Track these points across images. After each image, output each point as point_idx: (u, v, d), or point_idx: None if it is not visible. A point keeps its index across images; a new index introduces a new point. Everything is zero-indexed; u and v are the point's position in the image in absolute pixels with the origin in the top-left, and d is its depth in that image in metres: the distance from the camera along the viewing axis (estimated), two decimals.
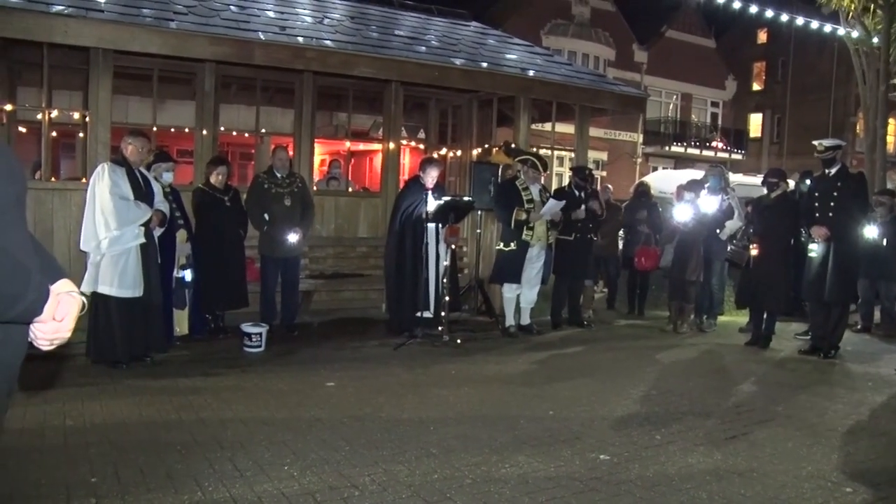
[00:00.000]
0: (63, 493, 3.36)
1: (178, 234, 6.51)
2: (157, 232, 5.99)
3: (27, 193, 1.84)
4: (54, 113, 7.72)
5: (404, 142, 11.23)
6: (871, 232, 8.08)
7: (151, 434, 4.24)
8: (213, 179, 6.98)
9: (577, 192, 8.23)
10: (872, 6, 14.65)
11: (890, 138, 21.54)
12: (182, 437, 4.16)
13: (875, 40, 15.00)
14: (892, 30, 14.33)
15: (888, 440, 4.66)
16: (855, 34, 15.47)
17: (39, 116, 7.38)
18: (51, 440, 4.09)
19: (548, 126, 10.29)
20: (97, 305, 5.60)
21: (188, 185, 7.96)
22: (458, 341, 7.13)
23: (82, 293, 1.72)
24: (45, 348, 1.70)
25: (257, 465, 3.76)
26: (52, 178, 8.22)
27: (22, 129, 10.48)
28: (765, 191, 7.74)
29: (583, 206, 8.12)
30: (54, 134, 8.67)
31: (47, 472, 3.60)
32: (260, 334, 6.58)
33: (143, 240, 5.71)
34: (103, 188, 5.57)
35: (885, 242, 8.41)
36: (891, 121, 17.94)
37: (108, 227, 5.55)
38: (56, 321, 1.62)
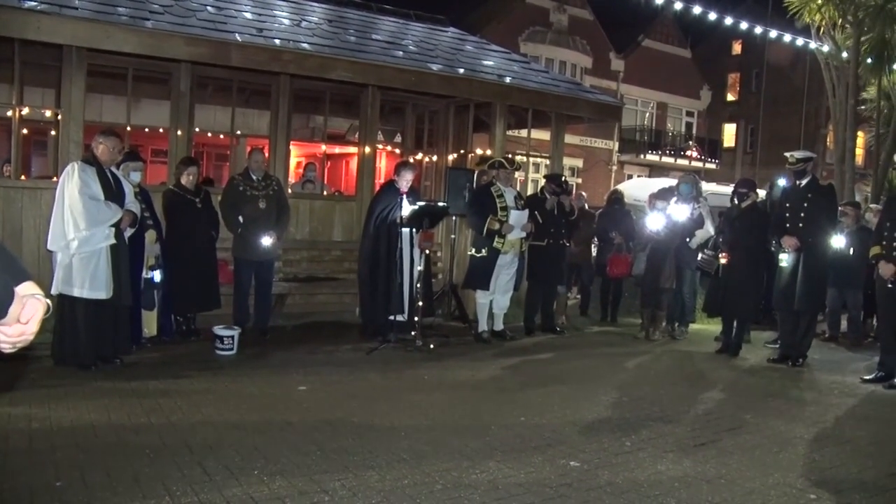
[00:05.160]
0: (27, 497, 3.31)
1: (147, 234, 6.43)
2: (128, 233, 5.92)
3: None
4: (25, 110, 7.60)
5: (380, 146, 11.24)
6: (838, 242, 8.24)
7: (119, 437, 4.19)
8: (183, 180, 6.92)
9: (547, 197, 8.29)
10: (841, 21, 14.92)
11: (859, 151, 21.92)
12: (151, 441, 4.12)
13: (844, 55, 15.29)
14: (861, 45, 14.61)
15: (852, 447, 4.74)
16: (825, 48, 15.75)
17: (10, 113, 7.26)
18: (15, 443, 4.02)
19: (524, 132, 10.35)
20: (63, 306, 5.52)
21: (160, 185, 7.88)
22: (431, 346, 7.13)
23: (48, 295, 1.70)
24: (6, 351, 1.68)
25: (227, 469, 3.73)
26: (23, 177, 8.10)
27: None
28: (735, 201, 7.85)
29: (550, 197, 8.18)
30: (25, 131, 8.51)
31: (11, 477, 3.54)
32: (232, 337, 6.54)
33: (113, 240, 5.64)
34: (73, 188, 5.49)
35: (851, 252, 8.56)
36: (859, 134, 18.22)
37: (77, 228, 5.47)
38: (21, 324, 1.60)
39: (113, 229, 5.64)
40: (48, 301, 1.67)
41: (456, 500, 3.50)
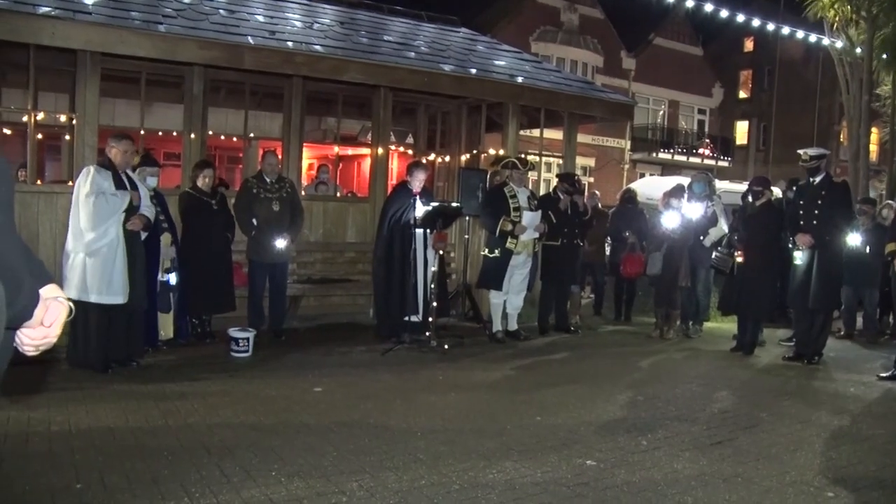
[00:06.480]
0: (48, 499, 3.34)
1: (163, 237, 6.47)
2: (142, 236, 5.95)
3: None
4: (40, 115, 7.66)
5: (393, 147, 11.25)
6: (854, 240, 8.19)
7: (138, 439, 4.22)
8: (199, 183, 6.95)
9: (561, 197, 8.27)
10: (855, 17, 14.82)
11: (873, 147, 21.74)
12: (169, 443, 4.14)
13: (858, 51, 15.19)
14: (875, 41, 14.50)
15: (869, 445, 4.70)
16: (839, 45, 15.65)
17: (25, 118, 7.32)
18: (35, 446, 4.06)
19: (536, 132, 10.33)
20: (77, 310, 5.52)
21: (174, 188, 7.92)
22: (446, 347, 7.12)
23: (69, 298, 1.72)
24: (30, 354, 1.69)
25: (244, 470, 3.75)
26: (38, 181, 8.17)
27: (7, 131, 10.41)
28: (750, 199, 7.80)
29: (563, 197, 8.17)
30: (39, 136, 8.58)
31: (32, 479, 3.57)
32: (247, 339, 6.56)
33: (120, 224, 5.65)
34: (85, 190, 5.52)
35: (867, 250, 8.50)
36: (874, 130, 18.10)
37: (91, 228, 5.51)
38: (45, 327, 1.62)
39: (123, 215, 5.64)
40: (70, 304, 1.68)
41: (473, 500, 3.50)
